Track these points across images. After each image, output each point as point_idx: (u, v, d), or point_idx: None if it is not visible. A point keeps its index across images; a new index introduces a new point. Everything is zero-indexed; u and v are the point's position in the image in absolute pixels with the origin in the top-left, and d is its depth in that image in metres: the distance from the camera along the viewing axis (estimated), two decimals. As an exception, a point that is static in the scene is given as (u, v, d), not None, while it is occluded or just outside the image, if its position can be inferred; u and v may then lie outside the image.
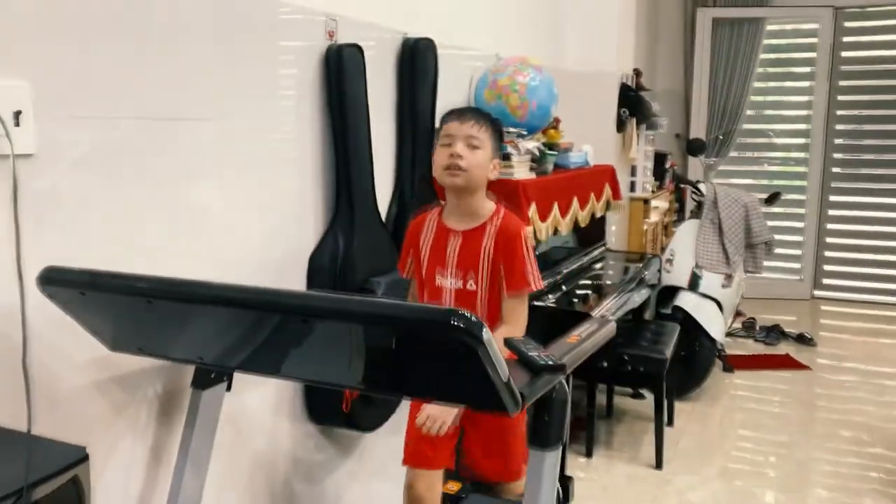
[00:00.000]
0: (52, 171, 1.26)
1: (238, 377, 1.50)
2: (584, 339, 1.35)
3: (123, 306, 1.16)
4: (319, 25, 1.92)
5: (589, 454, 3.07)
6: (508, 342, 1.22)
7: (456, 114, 1.71)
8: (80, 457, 1.11)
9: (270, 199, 1.80)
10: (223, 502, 1.71)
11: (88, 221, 1.33)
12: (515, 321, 1.66)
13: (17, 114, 1.19)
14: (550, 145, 2.91)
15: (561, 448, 1.26)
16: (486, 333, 0.92)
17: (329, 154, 1.98)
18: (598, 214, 3.36)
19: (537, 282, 1.69)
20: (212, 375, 1.45)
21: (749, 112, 5.82)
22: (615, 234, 4.08)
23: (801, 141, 5.81)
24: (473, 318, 0.92)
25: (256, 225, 1.76)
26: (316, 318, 1.02)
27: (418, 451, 1.79)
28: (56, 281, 1.16)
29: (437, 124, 2.32)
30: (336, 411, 1.96)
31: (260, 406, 1.83)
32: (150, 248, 1.46)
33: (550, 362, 1.15)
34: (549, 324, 2.55)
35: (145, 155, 1.45)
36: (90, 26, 1.32)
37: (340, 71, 1.92)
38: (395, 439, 2.36)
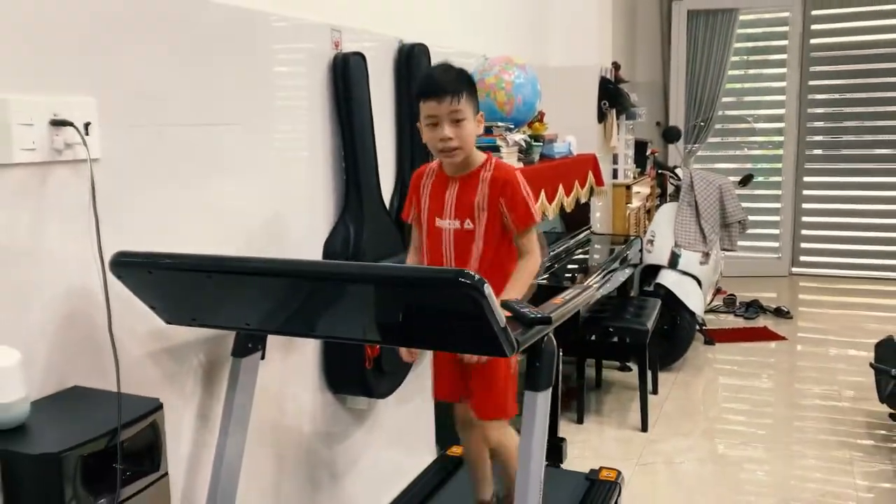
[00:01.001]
0: (113, 172, 1.49)
1: (268, 349, 1.74)
2: (567, 301, 1.59)
3: (184, 282, 1.40)
4: (326, 36, 2.15)
5: (580, 420, 3.33)
6: (504, 303, 1.45)
7: (432, 93, 1.74)
8: (156, 406, 1.35)
9: (288, 192, 2.03)
10: (257, 459, 1.94)
11: (140, 213, 1.56)
12: (531, 252, 1.82)
13: (87, 125, 1.41)
14: (536, 137, 3.16)
15: (551, 390, 1.50)
16: (488, 288, 1.16)
17: (338, 151, 2.21)
18: (583, 200, 3.62)
19: (538, 215, 1.85)
20: (249, 345, 1.68)
21: (727, 99, 6.09)
22: (600, 218, 4.33)
23: (778, 125, 6.08)
24: (477, 277, 1.15)
25: (276, 216, 1.99)
26: (347, 283, 1.26)
27: (440, 387, 2.04)
28: (126, 263, 1.39)
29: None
30: (352, 380, 2.20)
31: (285, 377, 2.07)
32: (189, 235, 1.68)
33: (540, 315, 1.40)
34: (540, 299, 2.79)
35: (185, 156, 1.68)
36: (140, 50, 1.54)
37: (346, 77, 2.15)
38: (404, 411, 2.62)
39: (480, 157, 1.86)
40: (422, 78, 1.87)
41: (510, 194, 1.80)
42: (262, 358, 1.73)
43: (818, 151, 6.07)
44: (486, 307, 1.17)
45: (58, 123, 1.37)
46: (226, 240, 1.80)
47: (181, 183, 1.67)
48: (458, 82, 1.76)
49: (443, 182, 1.87)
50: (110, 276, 1.42)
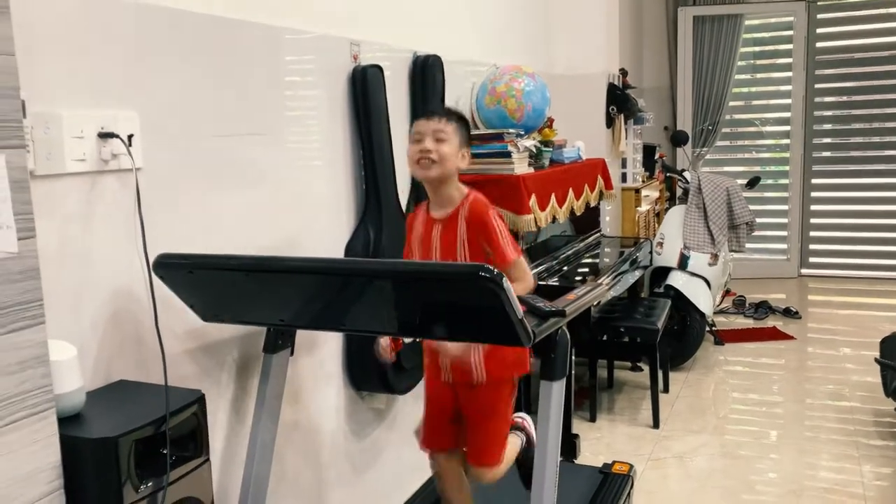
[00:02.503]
0: (154, 180, 1.60)
1: (295, 348, 1.83)
2: (580, 297, 1.69)
3: (222, 281, 1.50)
4: (345, 50, 2.26)
5: (593, 419, 3.41)
6: (521, 298, 1.55)
7: (425, 113, 1.88)
8: (199, 396, 1.45)
9: (311, 198, 2.14)
10: (286, 450, 2.05)
11: (178, 218, 1.67)
12: (520, 280, 1.82)
13: (130, 137, 1.52)
14: (546, 142, 3.26)
15: (564, 381, 1.59)
16: (506, 281, 1.26)
17: (357, 159, 2.32)
18: (592, 204, 3.70)
19: (514, 251, 1.82)
20: (279, 342, 1.79)
21: (734, 103, 6.18)
22: (609, 222, 4.42)
23: (785, 128, 6.16)
24: (495, 271, 1.25)
25: (300, 220, 2.10)
26: (375, 279, 1.36)
27: (429, 437, 2.06)
28: (168, 264, 1.50)
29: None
30: (373, 378, 2.30)
31: (310, 374, 2.17)
32: (221, 239, 1.79)
33: (555, 309, 1.49)
34: (553, 299, 2.89)
35: (217, 165, 1.79)
36: (176, 67, 1.66)
37: (365, 88, 2.26)
38: (422, 405, 2.71)
39: (463, 192, 1.88)
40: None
41: (487, 234, 1.82)
42: (292, 354, 1.83)
43: (826, 153, 6.15)
44: (504, 299, 1.27)
45: (105, 136, 1.48)
46: (254, 243, 1.91)
47: (215, 190, 1.78)
48: (451, 114, 1.87)
49: (429, 225, 1.90)
50: (154, 277, 1.53)
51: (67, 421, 1.29)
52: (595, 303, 3.02)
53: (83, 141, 1.44)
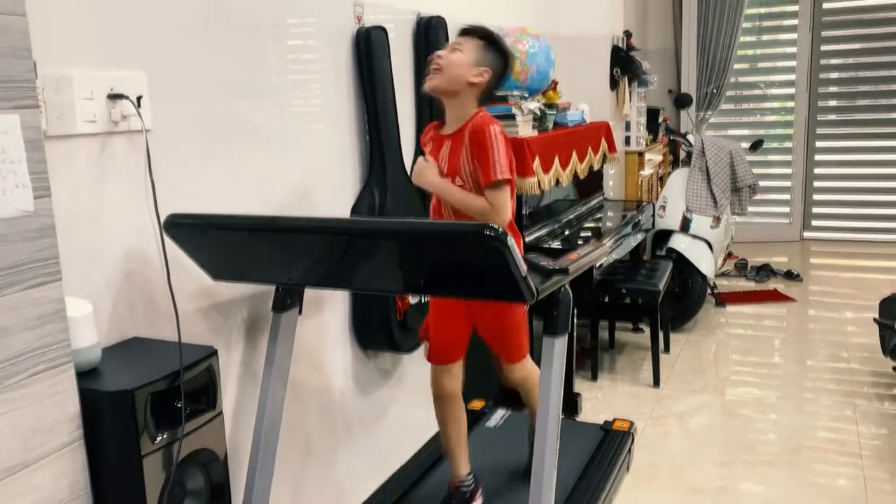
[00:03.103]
0: (162, 140, 1.62)
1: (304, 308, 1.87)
2: (582, 256, 1.72)
3: (232, 240, 1.53)
4: (349, 11, 2.26)
5: (594, 378, 3.47)
6: (525, 258, 1.58)
7: (458, 32, 1.89)
8: (212, 352, 1.49)
9: (317, 160, 2.16)
10: (296, 407, 2.10)
11: (186, 179, 1.70)
12: (494, 210, 1.76)
13: (139, 98, 1.54)
14: (550, 105, 3.26)
15: (566, 336, 1.63)
16: (510, 240, 1.29)
17: (362, 121, 2.33)
18: (596, 167, 3.71)
19: (502, 171, 1.74)
20: (287, 301, 1.82)
21: (739, 66, 6.13)
22: (613, 185, 4.43)
23: (790, 91, 6.12)
24: (500, 230, 1.28)
25: (306, 181, 2.12)
26: (383, 238, 1.39)
27: (436, 351, 2.12)
28: (179, 224, 1.53)
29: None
30: (379, 337, 2.35)
31: (318, 334, 2.21)
32: (229, 199, 1.82)
33: (557, 267, 1.52)
34: (555, 260, 2.92)
35: (224, 126, 1.81)
36: (183, 28, 1.67)
37: (369, 50, 2.27)
38: (426, 368, 2.75)
39: (471, 112, 1.85)
40: None
41: (480, 147, 1.76)
42: (300, 313, 1.87)
43: (831, 116, 6.12)
44: (509, 257, 1.30)
45: (114, 97, 1.49)
46: (262, 204, 1.93)
47: (222, 152, 1.80)
48: (478, 32, 1.86)
49: (439, 141, 1.92)
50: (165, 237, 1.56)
51: (85, 375, 1.34)
52: (597, 263, 3.05)
53: (93, 102, 1.46)
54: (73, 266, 1.43)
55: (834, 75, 6.07)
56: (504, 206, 1.78)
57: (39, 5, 1.34)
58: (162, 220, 1.55)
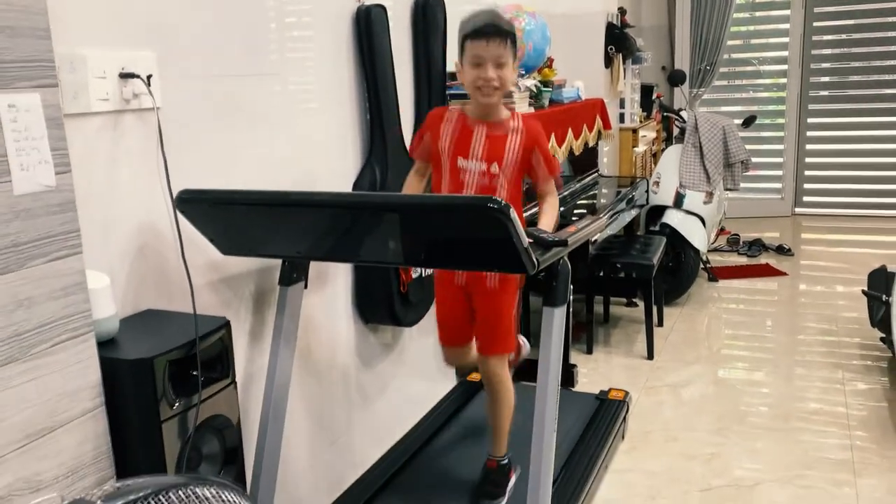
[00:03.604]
0: (172, 118, 1.66)
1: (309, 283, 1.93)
2: (580, 229, 1.78)
3: (241, 215, 1.58)
4: (349, -10, 2.29)
5: (590, 351, 3.54)
6: (526, 231, 1.63)
7: (482, 34, 1.87)
8: (225, 322, 1.55)
9: (319, 137, 2.20)
10: (301, 379, 2.16)
11: (195, 155, 1.74)
12: (553, 193, 2.04)
13: (149, 77, 1.58)
14: (546, 82, 3.30)
15: (566, 307, 1.69)
16: (513, 212, 1.34)
17: (363, 99, 2.37)
18: (591, 143, 3.76)
19: (558, 166, 2.09)
20: (293, 275, 1.87)
21: (733, 42, 6.17)
22: (607, 162, 4.49)
23: (783, 67, 6.16)
24: (503, 203, 1.33)
25: (309, 158, 2.16)
26: (388, 211, 1.44)
27: (444, 333, 2.24)
28: (190, 199, 1.58)
29: (447, 69, 2.71)
30: (381, 310, 2.40)
31: (322, 309, 2.27)
32: (236, 175, 1.86)
33: (557, 239, 1.58)
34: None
35: (230, 104, 1.85)
36: (191, 8, 1.70)
37: (369, 28, 2.30)
38: (426, 342, 2.82)
39: (505, 109, 2.03)
40: (474, 20, 1.93)
41: (542, 149, 2.00)
42: (305, 287, 1.92)
43: (823, 93, 6.17)
44: (511, 229, 1.36)
45: (126, 76, 1.53)
46: (267, 180, 1.98)
47: (228, 129, 1.84)
48: (506, 30, 1.90)
49: (468, 126, 2.00)
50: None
51: (104, 345, 1.39)
52: (594, 237, 3.11)
53: (105, 81, 1.49)
54: (89, 240, 1.47)
55: (827, 51, 6.12)
56: (555, 188, 2.08)
57: (53, -14, 1.37)
58: (175, 195, 1.60)
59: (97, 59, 1.47)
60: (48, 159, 1.22)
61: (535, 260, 1.47)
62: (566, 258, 1.68)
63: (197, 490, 0.85)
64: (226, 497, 0.94)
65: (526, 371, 2.36)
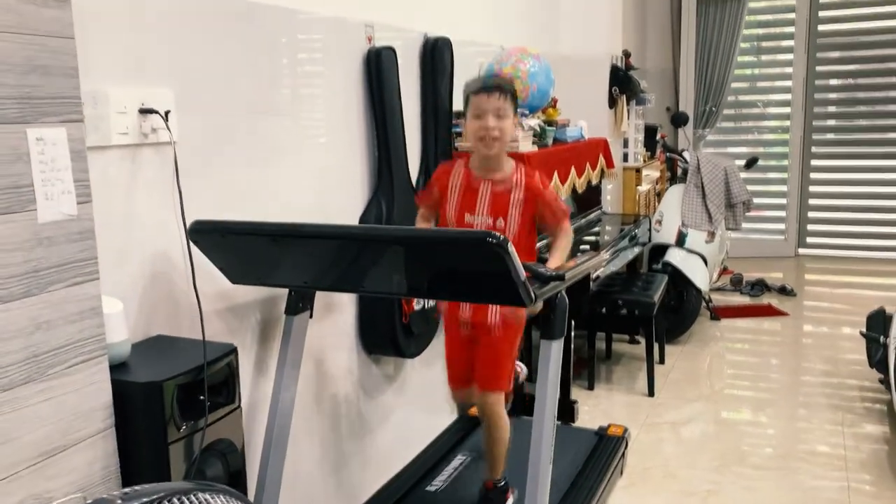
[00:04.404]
0: (187, 152, 1.74)
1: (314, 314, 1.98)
2: (579, 263, 1.83)
3: (251, 245, 1.64)
4: (360, 32, 2.39)
5: (591, 387, 3.57)
6: (524, 265, 1.69)
7: (483, 89, 2.03)
8: (232, 349, 1.60)
9: (327, 171, 2.27)
10: (306, 406, 2.21)
11: (208, 188, 1.81)
12: (565, 231, 2.13)
13: (167, 112, 1.66)
14: (550, 122, 3.38)
15: (562, 340, 1.74)
16: (511, 247, 1.40)
17: (371, 136, 2.45)
18: (594, 182, 3.83)
19: (565, 210, 2.17)
20: (299, 304, 1.93)
21: (738, 84, 6.28)
22: (611, 200, 4.55)
23: (786, 110, 6.26)
24: (502, 237, 1.39)
25: (317, 192, 2.23)
26: (392, 244, 1.50)
27: (452, 376, 2.34)
28: (202, 230, 1.64)
29: (453, 108, 2.80)
30: (384, 342, 2.45)
31: (326, 338, 2.32)
32: (247, 208, 1.93)
33: (555, 274, 1.64)
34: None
35: (246, 138, 1.93)
36: (206, 48, 1.79)
37: (379, 69, 2.39)
38: (428, 374, 2.87)
39: (510, 163, 2.13)
40: (477, 80, 2.12)
41: (545, 201, 2.09)
42: (311, 316, 1.98)
43: (827, 136, 6.25)
44: (510, 263, 1.42)
45: (145, 111, 1.61)
46: (277, 213, 2.05)
47: (241, 163, 1.92)
48: (505, 87, 2.05)
49: (473, 182, 2.11)
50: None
51: (116, 368, 1.44)
52: (594, 274, 3.16)
53: (126, 116, 1.57)
54: (105, 266, 1.53)
55: (831, 95, 6.22)
56: (570, 229, 2.19)
57: (80, 26, 1.45)
58: (189, 225, 1.67)
59: (119, 96, 1.55)
60: (71, 189, 1.29)
61: (532, 293, 1.52)
62: (564, 293, 1.73)
63: (207, 496, 0.90)
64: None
65: (528, 406, 2.39)
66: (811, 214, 6.33)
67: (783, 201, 6.32)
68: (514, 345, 2.19)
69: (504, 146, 2.06)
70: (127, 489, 0.87)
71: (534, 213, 2.10)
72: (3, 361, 1.20)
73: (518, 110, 2.99)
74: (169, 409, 1.43)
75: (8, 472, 1.21)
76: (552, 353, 1.72)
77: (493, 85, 2.04)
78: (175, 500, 0.86)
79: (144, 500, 0.85)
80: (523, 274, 1.46)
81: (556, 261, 2.05)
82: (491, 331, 2.14)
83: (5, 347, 1.20)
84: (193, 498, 0.88)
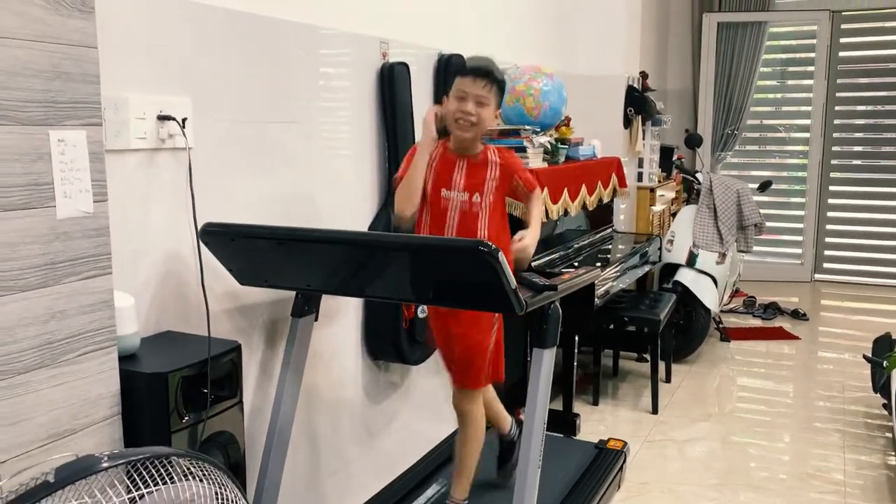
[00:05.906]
0: (202, 158, 1.83)
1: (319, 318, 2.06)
2: (573, 277, 1.89)
3: (259, 248, 1.73)
4: (375, 48, 2.47)
5: (595, 403, 3.60)
6: (518, 276, 1.75)
7: (472, 72, 2.03)
8: (236, 346, 1.68)
9: (338, 182, 2.36)
10: (308, 407, 2.28)
11: (221, 193, 1.90)
12: (540, 200, 2.21)
13: (184, 120, 1.75)
14: (562, 140, 3.45)
15: (554, 349, 1.80)
16: (502, 256, 1.46)
17: (382, 148, 2.53)
18: (606, 200, 3.88)
19: (535, 181, 2.23)
20: (305, 307, 2.01)
21: (757, 108, 6.31)
22: (624, 219, 4.60)
23: (806, 135, 6.27)
24: (493, 246, 1.46)
25: (327, 202, 2.31)
26: (391, 251, 1.58)
27: (445, 366, 2.31)
28: (213, 232, 1.73)
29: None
30: (388, 347, 2.52)
31: (331, 342, 2.39)
32: (258, 214, 2.02)
33: (548, 284, 1.70)
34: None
35: (257, 147, 2.01)
36: (225, 60, 1.88)
37: (392, 84, 2.47)
38: (431, 382, 2.93)
39: (482, 145, 2.16)
40: (470, 60, 2.13)
41: (521, 173, 2.17)
42: (316, 319, 2.05)
43: (846, 161, 6.24)
44: (500, 271, 1.48)
45: (163, 118, 1.71)
46: (287, 218, 2.13)
47: (254, 170, 2.01)
48: (494, 77, 2.05)
49: (449, 160, 2.13)
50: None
51: (125, 359, 1.53)
52: (599, 288, 3.20)
53: (145, 122, 1.67)
54: (119, 263, 1.62)
55: (848, 121, 6.21)
56: (542, 200, 2.29)
57: (104, 36, 1.55)
58: (200, 227, 1.75)
59: (138, 102, 1.65)
60: (88, 188, 1.38)
61: (522, 301, 1.58)
62: (557, 303, 1.79)
63: (187, 461, 0.97)
64: (218, 475, 1.06)
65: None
66: (829, 240, 6.31)
67: (799, 226, 6.31)
68: (488, 340, 2.17)
69: (480, 133, 2.08)
70: (116, 450, 0.94)
71: (507, 190, 2.15)
72: (20, 347, 1.28)
73: (529, 127, 3.10)
74: (173, 399, 1.50)
75: (19, 450, 1.29)
76: (544, 362, 1.77)
77: (482, 72, 2.03)
78: (157, 461, 0.93)
79: (130, 458, 0.92)
80: (514, 282, 1.52)
81: (534, 227, 2.13)
82: (459, 328, 2.14)
83: (22, 333, 1.28)
84: (175, 461, 0.95)
